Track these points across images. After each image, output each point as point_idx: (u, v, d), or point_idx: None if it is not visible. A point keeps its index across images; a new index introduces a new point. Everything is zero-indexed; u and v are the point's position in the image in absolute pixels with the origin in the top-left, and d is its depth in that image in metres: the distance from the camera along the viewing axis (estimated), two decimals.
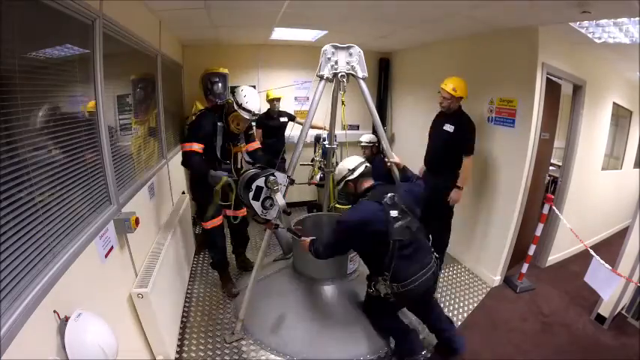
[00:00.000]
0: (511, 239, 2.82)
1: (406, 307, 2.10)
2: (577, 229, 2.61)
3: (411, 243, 1.82)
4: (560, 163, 3.50)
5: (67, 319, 1.05)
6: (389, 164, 2.21)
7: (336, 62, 2.06)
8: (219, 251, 2.69)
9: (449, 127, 2.64)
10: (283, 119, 3.77)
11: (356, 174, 1.97)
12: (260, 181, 1.89)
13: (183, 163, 2.33)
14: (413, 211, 1.87)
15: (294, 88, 4.16)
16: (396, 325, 2.12)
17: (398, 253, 1.78)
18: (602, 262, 2.21)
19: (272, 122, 3.72)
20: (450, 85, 2.58)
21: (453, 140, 2.61)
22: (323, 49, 2.05)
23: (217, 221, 2.56)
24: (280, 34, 3.32)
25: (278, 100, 3.68)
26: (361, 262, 2.65)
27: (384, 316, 2.12)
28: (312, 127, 2.83)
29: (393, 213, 1.80)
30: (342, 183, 2.03)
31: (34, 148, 1.04)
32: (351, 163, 2.01)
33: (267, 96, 3.68)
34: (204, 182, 2.25)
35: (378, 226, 1.78)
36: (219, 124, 2.35)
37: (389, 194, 1.84)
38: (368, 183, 1.99)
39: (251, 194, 1.88)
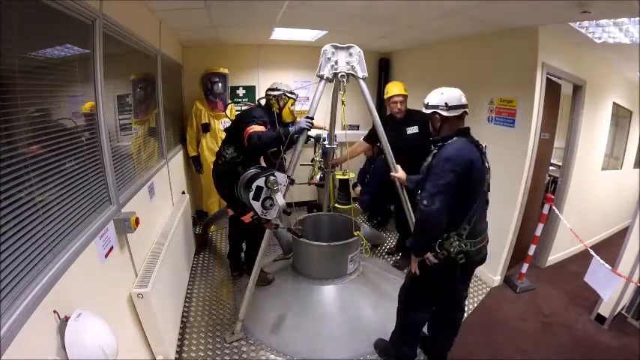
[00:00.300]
0: (511, 239, 2.81)
1: (458, 278, 1.80)
2: (577, 229, 2.61)
3: (487, 201, 1.71)
4: (560, 163, 3.50)
5: (67, 319, 1.05)
6: (392, 178, 2.19)
7: (336, 62, 2.07)
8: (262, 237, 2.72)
9: (413, 129, 2.71)
10: None
11: (454, 113, 1.65)
12: (260, 181, 1.89)
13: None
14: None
15: (294, 88, 4.15)
16: (419, 323, 1.92)
17: (481, 206, 1.64)
18: (602, 262, 2.21)
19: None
20: (394, 88, 2.73)
21: (423, 138, 2.58)
22: (323, 49, 2.05)
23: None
24: (280, 34, 3.32)
25: None
26: (361, 261, 2.67)
27: (423, 302, 1.88)
28: (313, 127, 2.83)
29: (486, 163, 1.66)
30: (430, 111, 1.70)
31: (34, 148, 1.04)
32: (452, 97, 1.66)
33: None
34: (233, 175, 2.28)
35: (479, 168, 1.59)
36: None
37: (484, 143, 1.67)
38: (461, 124, 1.69)
39: (251, 194, 1.88)
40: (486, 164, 1.67)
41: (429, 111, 1.72)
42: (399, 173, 2.14)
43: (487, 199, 1.72)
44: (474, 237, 1.64)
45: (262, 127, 2.27)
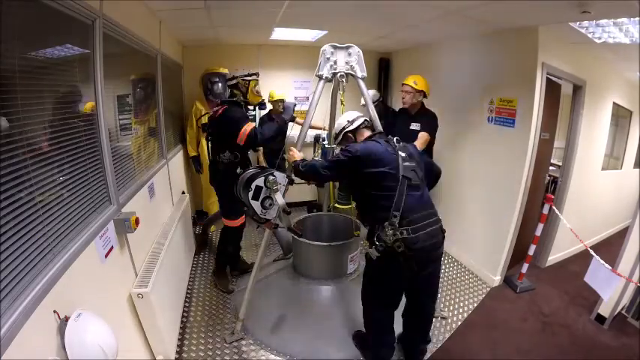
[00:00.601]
0: (511, 239, 2.81)
1: (411, 270, 1.68)
2: (577, 229, 2.61)
3: (419, 187, 1.70)
4: (560, 163, 3.50)
5: (67, 319, 1.05)
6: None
7: (335, 62, 2.06)
8: (236, 248, 2.80)
9: (415, 126, 2.71)
10: None
11: (355, 125, 1.91)
12: (259, 181, 1.89)
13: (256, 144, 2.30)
14: (418, 162, 1.78)
15: (294, 88, 4.16)
16: (385, 321, 1.89)
17: (408, 191, 1.63)
18: (602, 262, 2.21)
19: None
20: (411, 80, 2.72)
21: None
22: (322, 49, 2.05)
23: (242, 219, 2.64)
24: (280, 34, 3.32)
25: (282, 101, 3.68)
26: (361, 261, 2.67)
27: (380, 301, 1.87)
28: (312, 127, 2.82)
29: (401, 153, 1.72)
30: (341, 136, 1.94)
31: (34, 148, 1.04)
32: (350, 115, 1.95)
33: (271, 97, 3.68)
34: (235, 177, 2.23)
35: (385, 158, 1.68)
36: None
37: (395, 137, 1.81)
38: (367, 133, 1.91)
39: (250, 194, 1.88)
40: (400, 154, 1.72)
41: (339, 139, 1.95)
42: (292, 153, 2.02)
43: (415, 184, 1.68)
44: (410, 224, 1.60)
45: (252, 123, 2.30)
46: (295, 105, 2.13)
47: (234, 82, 2.45)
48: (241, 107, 2.45)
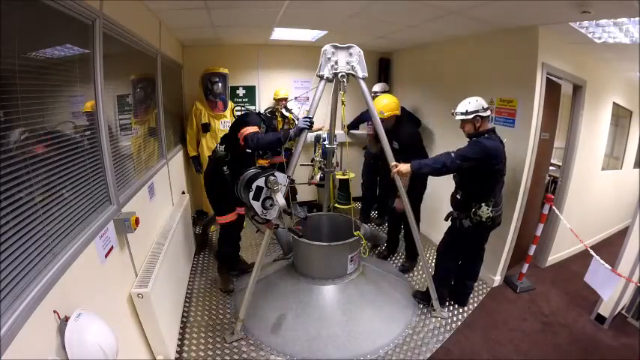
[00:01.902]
0: (511, 239, 2.81)
1: (484, 237, 2.39)
2: (577, 229, 2.61)
3: (504, 181, 2.26)
4: (560, 163, 3.50)
5: (67, 319, 1.05)
6: (392, 175, 2.20)
7: (336, 62, 2.07)
8: (232, 246, 2.80)
9: (395, 145, 2.62)
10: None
11: (487, 113, 2.12)
12: (260, 181, 1.89)
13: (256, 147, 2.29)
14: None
15: (294, 88, 4.16)
16: (452, 269, 2.49)
17: (501, 185, 2.21)
18: (602, 262, 2.21)
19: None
20: (377, 108, 2.50)
21: (403, 156, 2.38)
22: (323, 49, 2.05)
23: (232, 216, 2.62)
24: (280, 34, 3.32)
25: (285, 99, 3.68)
26: (361, 261, 2.67)
27: (455, 257, 2.44)
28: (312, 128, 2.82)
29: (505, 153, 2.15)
30: (472, 115, 2.10)
31: (34, 148, 1.03)
32: (485, 103, 2.13)
33: (276, 95, 3.68)
34: (220, 178, 2.35)
35: (501, 160, 2.12)
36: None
37: (504, 139, 2.17)
38: (489, 125, 2.18)
39: (251, 194, 1.88)
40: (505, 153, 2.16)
41: (470, 116, 2.11)
42: (400, 167, 2.16)
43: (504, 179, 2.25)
44: (496, 206, 2.19)
45: (256, 127, 2.30)
46: (309, 120, 2.08)
47: (287, 114, 2.61)
48: (260, 116, 2.47)
